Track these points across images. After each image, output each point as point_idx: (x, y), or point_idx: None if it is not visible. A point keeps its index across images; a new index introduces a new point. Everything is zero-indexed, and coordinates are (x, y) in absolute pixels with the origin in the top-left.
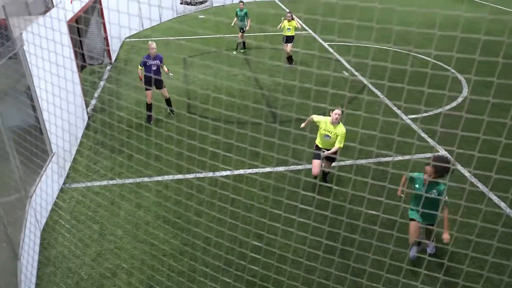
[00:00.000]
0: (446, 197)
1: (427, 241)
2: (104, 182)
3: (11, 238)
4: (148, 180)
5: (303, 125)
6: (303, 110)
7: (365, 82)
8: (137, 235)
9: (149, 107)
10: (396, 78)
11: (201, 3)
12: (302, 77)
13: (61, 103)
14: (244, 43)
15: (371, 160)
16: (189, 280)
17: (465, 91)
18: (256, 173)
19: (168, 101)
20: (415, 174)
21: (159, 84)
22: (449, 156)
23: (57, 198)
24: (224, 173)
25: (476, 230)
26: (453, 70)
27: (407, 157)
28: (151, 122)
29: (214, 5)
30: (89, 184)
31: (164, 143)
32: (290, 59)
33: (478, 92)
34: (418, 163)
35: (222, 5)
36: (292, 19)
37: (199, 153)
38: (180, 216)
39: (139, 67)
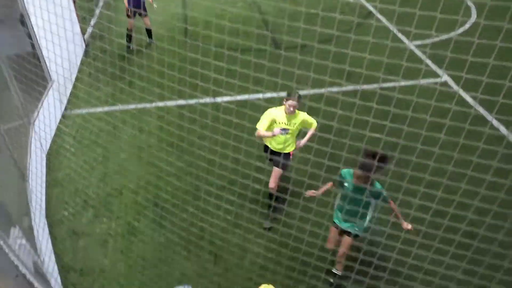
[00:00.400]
0: (384, 193)
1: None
2: (106, 108)
3: (17, 161)
4: (150, 106)
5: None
6: (309, 35)
7: (371, 8)
8: (141, 157)
9: (130, 37)
10: (402, 3)
11: None
12: (308, 2)
13: (58, 30)
14: None
15: (375, 85)
16: (194, 198)
17: (474, 17)
18: (259, 99)
19: (149, 32)
20: (345, 170)
21: (142, 12)
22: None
23: (59, 124)
24: (226, 98)
25: (477, 152)
26: None
27: (411, 82)
28: (132, 48)
29: None
30: (91, 110)
31: (166, 70)
32: None
33: (487, 18)
34: (423, 87)
35: None
36: None
37: (202, 79)
38: (183, 139)
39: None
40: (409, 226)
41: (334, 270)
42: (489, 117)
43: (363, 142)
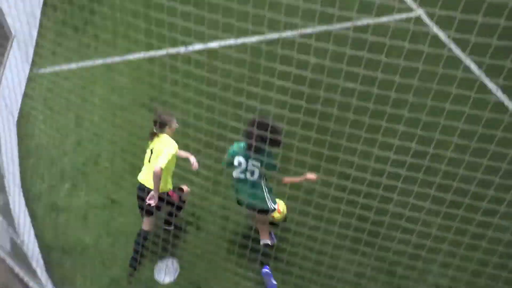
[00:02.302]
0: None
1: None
2: (73, 65)
3: None
4: (118, 59)
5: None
6: None
7: None
8: (114, 121)
9: None
10: None
11: None
12: None
13: None
14: None
15: (348, 24)
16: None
17: None
18: (230, 46)
19: None
20: (234, 146)
21: None
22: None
23: (26, 87)
24: (197, 47)
25: (451, 97)
26: None
27: (384, 18)
28: None
29: None
30: (57, 68)
31: (130, 19)
32: None
33: None
34: (396, 28)
35: None
36: None
37: (169, 27)
38: (155, 98)
39: None
40: (313, 176)
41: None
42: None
43: (337, 92)
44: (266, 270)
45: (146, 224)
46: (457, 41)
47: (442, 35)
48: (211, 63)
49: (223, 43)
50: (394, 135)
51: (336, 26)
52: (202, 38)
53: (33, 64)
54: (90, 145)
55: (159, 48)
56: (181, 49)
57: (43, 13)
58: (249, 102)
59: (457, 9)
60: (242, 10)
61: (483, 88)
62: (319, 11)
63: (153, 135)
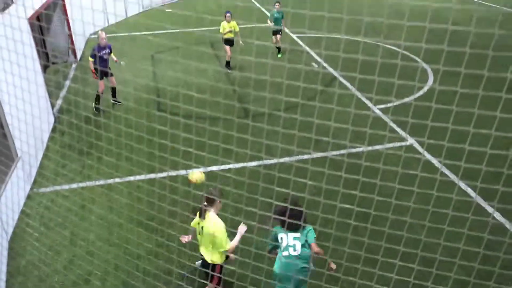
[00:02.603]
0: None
1: None
2: (73, 185)
3: None
4: (119, 181)
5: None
6: (275, 103)
7: (335, 74)
8: (109, 239)
9: (99, 98)
10: (365, 69)
11: None
12: (274, 71)
13: (25, 106)
14: (279, 48)
15: (343, 151)
16: (166, 283)
17: (431, 80)
18: (229, 170)
19: (114, 91)
20: (277, 228)
21: (107, 73)
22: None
23: (24, 205)
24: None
25: (448, 219)
26: (419, 60)
27: (378, 147)
28: (101, 112)
29: None
30: (57, 187)
31: (134, 144)
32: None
33: (444, 81)
34: (390, 154)
35: None
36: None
37: (171, 152)
38: (153, 217)
39: (90, 59)
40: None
41: None
42: (456, 180)
43: (335, 214)
44: None
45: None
46: (449, 166)
47: (435, 161)
48: (211, 185)
49: (223, 167)
50: (395, 255)
51: (331, 153)
52: (202, 162)
53: (35, 183)
54: (83, 263)
55: (160, 170)
56: (182, 172)
57: (50, 137)
58: (247, 222)
59: (445, 139)
60: (242, 137)
61: (482, 210)
62: (313, 139)
63: (202, 212)
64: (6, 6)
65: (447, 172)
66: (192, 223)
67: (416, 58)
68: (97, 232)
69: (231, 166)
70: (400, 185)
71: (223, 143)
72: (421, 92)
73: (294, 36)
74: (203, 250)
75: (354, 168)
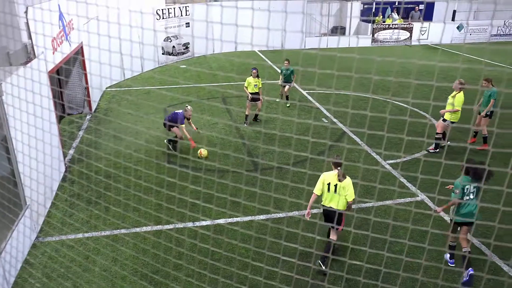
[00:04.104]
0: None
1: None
2: (79, 235)
3: None
4: (125, 232)
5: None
6: (284, 157)
7: (345, 129)
8: None
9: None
10: (374, 125)
11: (183, 53)
12: (283, 125)
13: (37, 155)
14: (287, 97)
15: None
16: None
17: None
18: (236, 223)
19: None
20: (457, 182)
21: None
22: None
23: (28, 254)
24: (204, 223)
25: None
26: (428, 116)
27: (388, 202)
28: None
29: (196, 55)
30: (63, 237)
31: (142, 195)
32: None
33: (453, 137)
34: (400, 210)
35: (203, 56)
36: (258, 76)
37: (179, 203)
38: (158, 270)
39: (181, 125)
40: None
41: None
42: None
43: (344, 271)
44: (472, 272)
45: (333, 234)
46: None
47: (447, 218)
48: (217, 238)
49: (230, 220)
50: None
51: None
52: (209, 215)
53: (41, 231)
54: None
55: (167, 222)
56: (189, 224)
57: (60, 186)
58: (253, 278)
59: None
60: (250, 190)
61: (498, 269)
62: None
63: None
64: (28, 60)
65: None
66: (317, 189)
67: (425, 115)
68: (99, 284)
69: (238, 219)
70: (411, 241)
71: (231, 196)
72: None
73: (304, 92)
74: (332, 204)
75: (364, 224)
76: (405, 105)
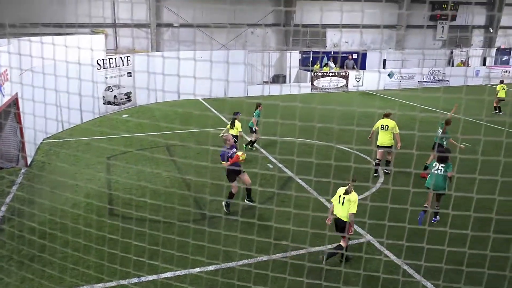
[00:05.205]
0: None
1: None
2: None
3: None
4: None
5: None
6: (233, 207)
7: (291, 175)
8: None
9: (232, 196)
10: (320, 170)
11: (124, 103)
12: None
13: None
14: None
15: (303, 251)
16: None
17: (381, 179)
18: (185, 275)
19: (248, 191)
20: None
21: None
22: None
23: None
24: (150, 277)
25: None
26: (370, 159)
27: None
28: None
29: (138, 104)
30: None
31: (81, 254)
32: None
33: (395, 180)
34: (349, 254)
35: (146, 104)
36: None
37: (121, 260)
38: None
39: (222, 162)
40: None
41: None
42: None
43: None
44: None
45: (342, 241)
46: (409, 264)
47: (393, 258)
48: None
49: (178, 273)
50: None
51: (293, 253)
52: (155, 270)
53: None
54: None
55: (109, 281)
56: (133, 280)
57: None
58: None
59: (403, 236)
60: (198, 243)
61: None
62: (272, 243)
63: (348, 190)
64: None
65: (406, 268)
66: (333, 199)
67: (368, 158)
68: None
69: (186, 271)
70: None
71: (178, 249)
72: (373, 190)
73: (249, 139)
74: (339, 213)
75: (315, 272)
76: (349, 149)
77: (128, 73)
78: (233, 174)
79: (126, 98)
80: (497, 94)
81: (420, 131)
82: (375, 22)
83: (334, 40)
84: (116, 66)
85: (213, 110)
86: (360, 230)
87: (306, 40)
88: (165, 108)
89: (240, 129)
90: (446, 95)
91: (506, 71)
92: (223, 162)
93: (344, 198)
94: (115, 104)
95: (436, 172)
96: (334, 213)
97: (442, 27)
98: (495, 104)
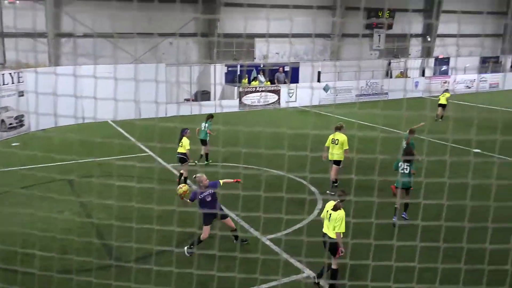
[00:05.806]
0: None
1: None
2: None
3: None
4: None
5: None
6: (146, 240)
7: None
8: None
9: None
10: (249, 197)
11: (15, 128)
12: (144, 201)
13: None
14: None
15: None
16: None
17: (320, 203)
18: None
19: (235, 231)
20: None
21: (222, 216)
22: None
23: None
24: None
25: None
26: (306, 183)
27: (273, 284)
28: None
29: (32, 130)
30: None
31: None
32: None
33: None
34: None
35: (42, 130)
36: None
37: None
38: None
39: (188, 200)
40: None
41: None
42: None
43: None
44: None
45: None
46: None
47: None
48: None
49: None
50: None
51: None
52: None
53: None
54: None
55: None
56: None
57: None
58: None
59: None
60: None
61: None
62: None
63: (337, 206)
64: None
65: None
66: (322, 215)
67: (303, 182)
68: None
69: None
70: None
71: None
72: (311, 217)
73: (169, 166)
74: (329, 232)
75: None
76: (282, 173)
77: (19, 92)
78: (210, 217)
79: (17, 123)
80: (439, 101)
81: (360, 150)
82: (308, 31)
83: (263, 51)
84: (4, 84)
85: (124, 133)
86: (297, 264)
87: (233, 52)
88: (66, 131)
89: (188, 147)
90: (385, 112)
91: (446, 82)
92: (188, 201)
93: (330, 214)
94: (3, 130)
95: (402, 171)
96: (324, 230)
97: (379, 36)
98: (438, 113)
